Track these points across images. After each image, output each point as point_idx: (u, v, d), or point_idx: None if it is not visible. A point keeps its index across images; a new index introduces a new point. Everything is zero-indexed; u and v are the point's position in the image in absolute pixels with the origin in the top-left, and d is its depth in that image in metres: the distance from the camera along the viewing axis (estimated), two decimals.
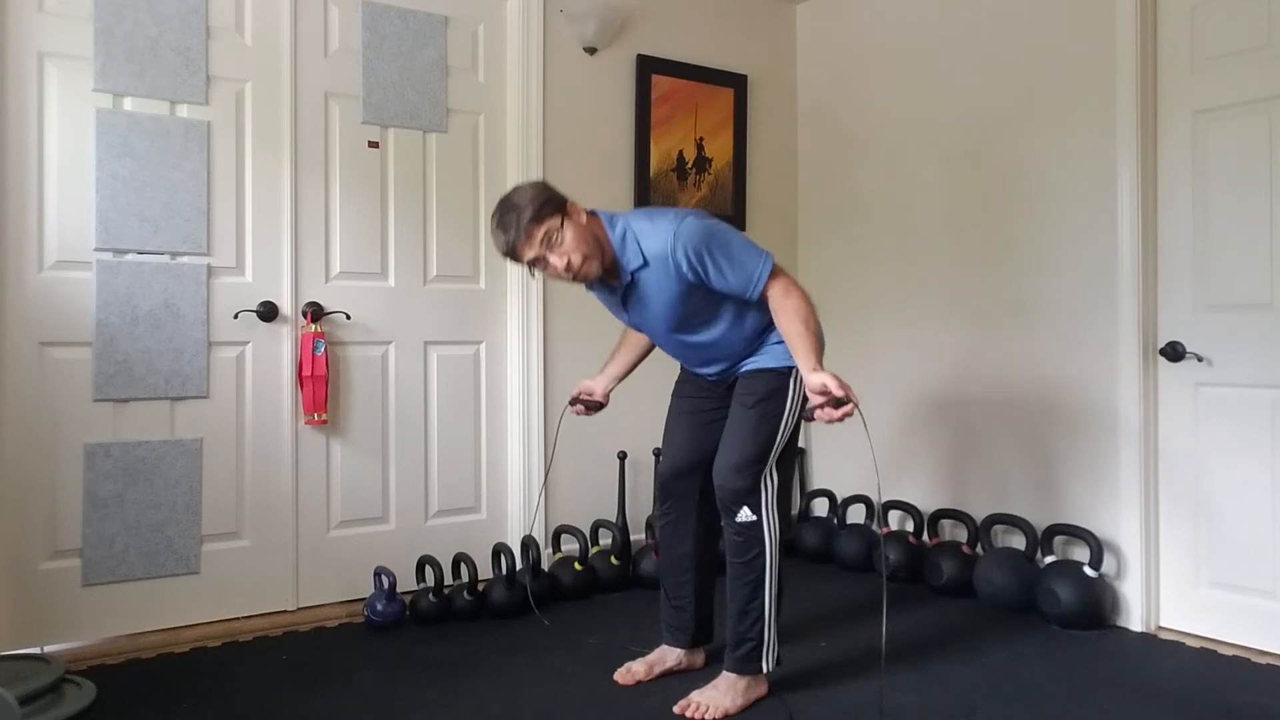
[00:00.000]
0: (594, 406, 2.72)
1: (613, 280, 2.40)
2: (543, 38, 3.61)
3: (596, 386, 2.70)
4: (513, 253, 2.30)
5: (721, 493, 2.44)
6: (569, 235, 2.27)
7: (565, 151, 3.66)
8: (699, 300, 2.36)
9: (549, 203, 2.28)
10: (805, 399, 2.39)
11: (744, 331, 2.46)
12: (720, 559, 2.54)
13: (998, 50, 3.51)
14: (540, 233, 2.26)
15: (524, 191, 2.31)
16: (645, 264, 2.31)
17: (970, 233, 3.60)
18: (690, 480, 2.61)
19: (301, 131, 3.20)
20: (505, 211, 2.28)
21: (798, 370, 2.37)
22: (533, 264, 2.31)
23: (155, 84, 2.95)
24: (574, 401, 2.72)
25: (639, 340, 2.70)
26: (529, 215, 2.25)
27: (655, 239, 2.29)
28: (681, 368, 2.69)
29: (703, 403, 2.61)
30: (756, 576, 2.42)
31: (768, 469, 2.44)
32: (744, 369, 2.51)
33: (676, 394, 2.70)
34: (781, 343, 2.42)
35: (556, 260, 2.27)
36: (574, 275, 2.30)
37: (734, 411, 2.48)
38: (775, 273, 2.34)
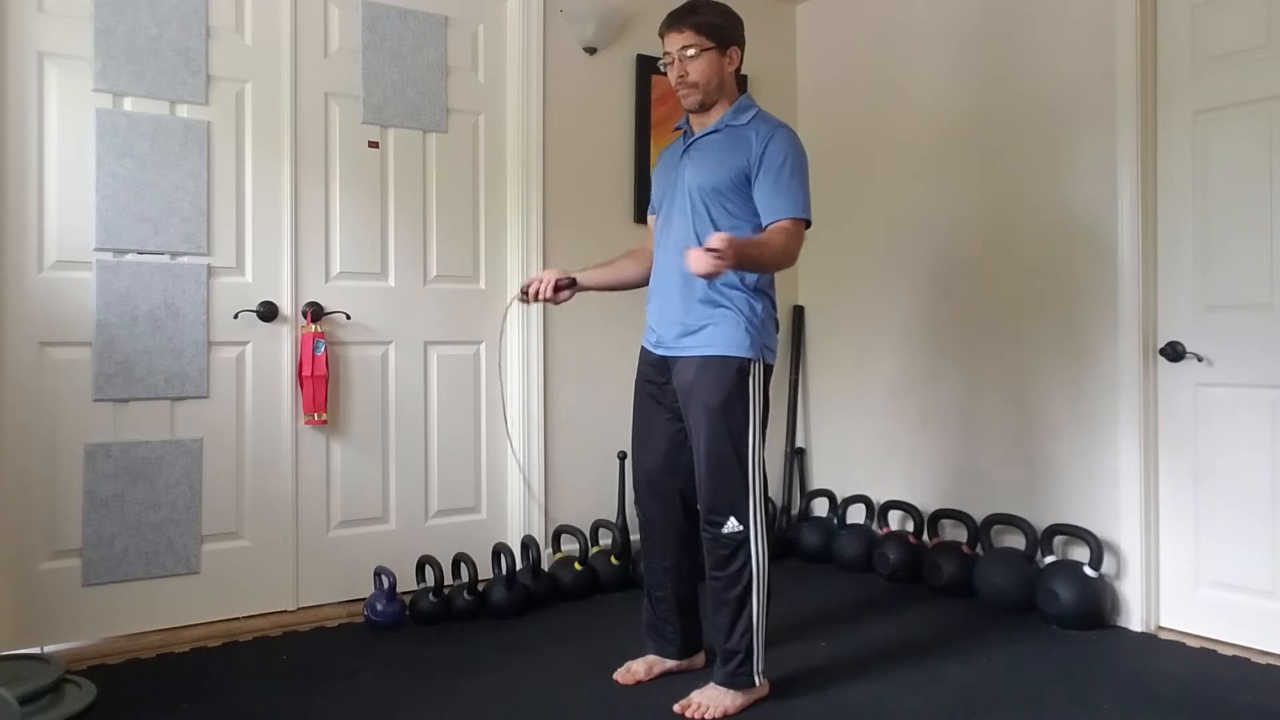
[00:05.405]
0: (554, 289, 2.58)
1: (698, 126, 2.54)
2: (543, 38, 3.61)
3: (561, 275, 2.61)
4: (663, 33, 2.52)
5: (706, 509, 2.41)
6: (704, 62, 2.46)
7: (565, 151, 3.66)
8: (733, 194, 2.42)
9: (716, 29, 2.47)
10: (767, 386, 2.47)
11: None
12: (703, 566, 2.50)
13: (998, 51, 3.51)
14: (689, 39, 2.45)
15: (718, 7, 2.51)
16: (741, 125, 2.46)
17: (970, 234, 3.60)
18: (665, 492, 2.58)
19: (301, 131, 3.20)
20: (695, 4, 2.50)
21: (755, 360, 2.41)
22: (665, 54, 2.50)
23: (155, 84, 2.95)
24: (524, 293, 2.61)
25: (631, 267, 2.72)
26: (696, 22, 2.46)
27: (767, 119, 2.49)
28: (640, 360, 2.64)
29: (661, 395, 2.55)
30: (743, 589, 2.39)
31: (752, 468, 2.40)
32: (696, 344, 2.42)
33: (638, 387, 2.63)
34: (734, 314, 2.40)
35: (678, 67, 2.47)
36: (680, 85, 2.49)
37: (698, 416, 2.41)
38: (798, 226, 2.39)
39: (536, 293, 2.59)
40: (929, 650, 2.85)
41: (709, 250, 2.09)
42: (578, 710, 2.42)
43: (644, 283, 2.69)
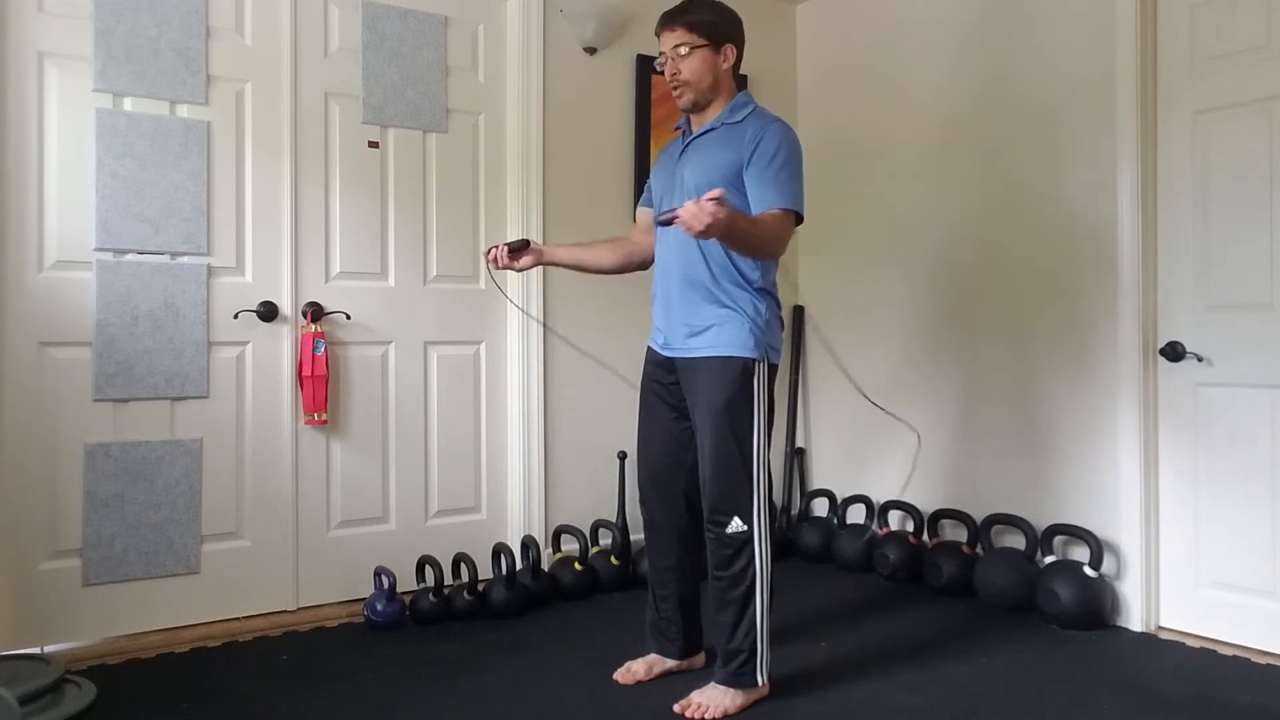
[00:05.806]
0: (514, 252, 2.65)
1: (696, 125, 2.55)
2: (543, 38, 3.61)
3: (513, 240, 2.69)
4: (658, 31, 2.52)
5: (709, 509, 2.41)
6: (696, 60, 2.46)
7: (565, 151, 3.66)
8: (730, 191, 2.36)
9: (709, 26, 2.47)
10: (773, 386, 2.45)
11: (732, 259, 2.42)
12: (706, 565, 2.50)
13: (998, 51, 3.51)
14: (681, 37, 2.46)
15: (712, 5, 2.51)
16: (737, 122, 2.46)
17: (970, 234, 3.60)
18: (669, 491, 2.58)
19: (301, 131, 3.20)
20: (688, 3, 2.51)
21: (759, 360, 2.40)
22: (660, 53, 2.52)
23: (155, 84, 2.95)
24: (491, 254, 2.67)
25: (606, 252, 2.74)
26: (688, 20, 2.47)
27: (763, 114, 2.49)
28: (646, 359, 2.64)
29: (667, 395, 2.55)
30: (746, 589, 2.39)
31: (756, 469, 2.40)
32: (701, 345, 2.43)
33: (644, 386, 2.64)
34: (739, 315, 2.40)
35: (671, 66, 2.49)
36: (673, 83, 2.50)
37: (703, 416, 2.41)
38: (788, 217, 2.38)
39: (495, 259, 2.65)
40: (929, 650, 2.85)
41: (710, 200, 2.06)
42: (578, 710, 2.42)
43: (616, 271, 2.76)
